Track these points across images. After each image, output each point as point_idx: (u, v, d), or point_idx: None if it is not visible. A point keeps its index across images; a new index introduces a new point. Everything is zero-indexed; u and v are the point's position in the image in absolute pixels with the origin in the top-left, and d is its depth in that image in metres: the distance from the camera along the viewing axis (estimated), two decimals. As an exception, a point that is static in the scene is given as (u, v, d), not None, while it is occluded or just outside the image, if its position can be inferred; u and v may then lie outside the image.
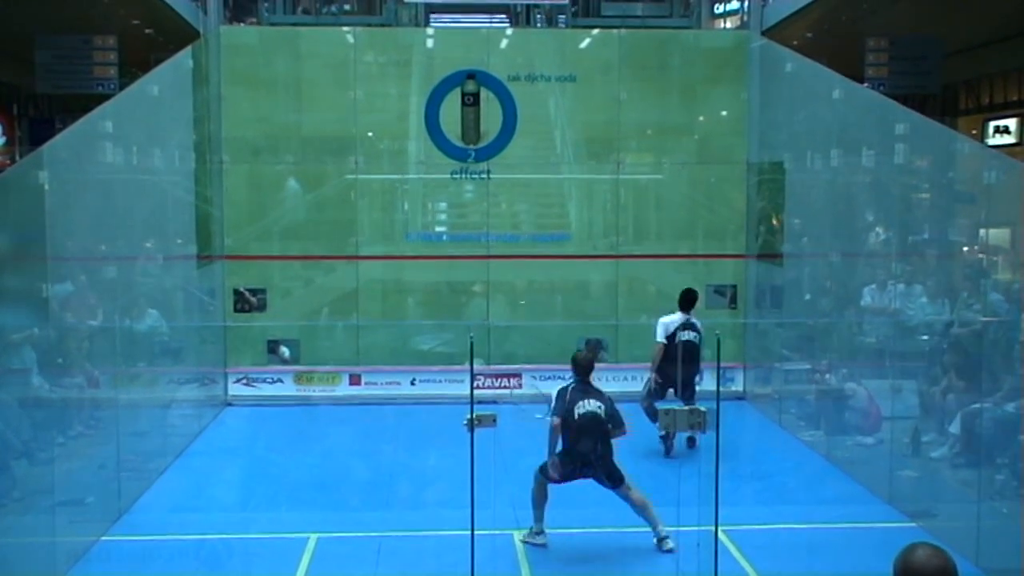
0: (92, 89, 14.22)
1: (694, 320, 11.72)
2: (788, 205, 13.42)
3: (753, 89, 14.16)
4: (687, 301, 11.81)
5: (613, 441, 8.77)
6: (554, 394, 8.99)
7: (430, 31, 15.52)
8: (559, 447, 8.75)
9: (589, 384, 8.91)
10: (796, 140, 13.06)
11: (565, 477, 8.75)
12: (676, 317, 11.68)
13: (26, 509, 8.50)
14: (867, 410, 11.08)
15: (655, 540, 8.64)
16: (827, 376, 12.14)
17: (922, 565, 3.38)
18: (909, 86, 14.35)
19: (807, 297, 12.95)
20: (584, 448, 8.65)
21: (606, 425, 8.70)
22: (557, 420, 8.68)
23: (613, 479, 8.72)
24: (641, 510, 8.69)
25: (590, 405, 8.71)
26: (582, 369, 8.95)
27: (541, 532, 8.83)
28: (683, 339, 11.48)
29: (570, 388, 8.87)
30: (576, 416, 8.66)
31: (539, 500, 8.86)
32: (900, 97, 11.69)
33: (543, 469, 8.80)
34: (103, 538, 9.06)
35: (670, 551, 8.46)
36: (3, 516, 8.25)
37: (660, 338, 11.69)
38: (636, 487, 8.71)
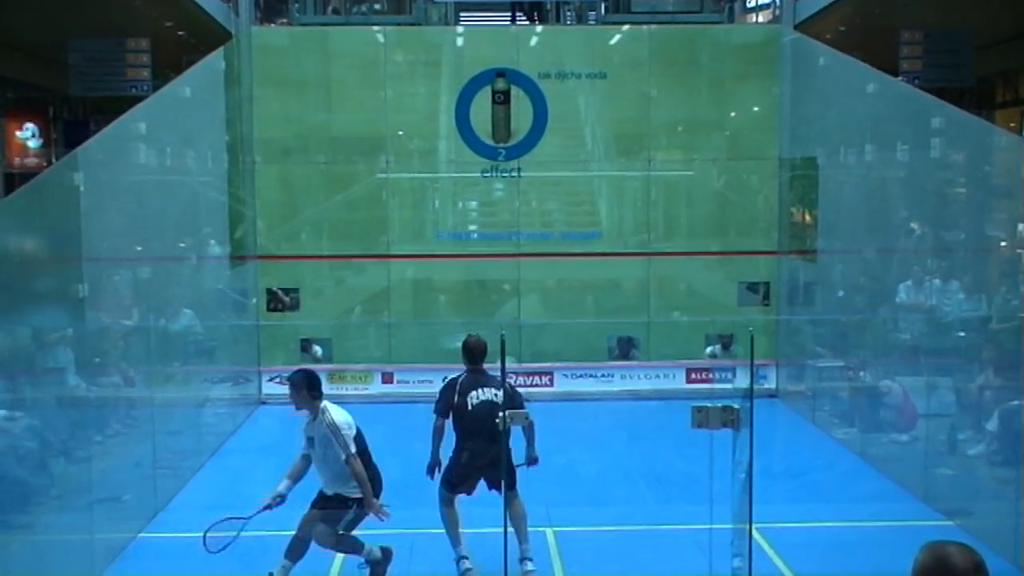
0: (125, 91, 14.29)
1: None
2: (821, 201, 13.33)
3: (785, 84, 14.07)
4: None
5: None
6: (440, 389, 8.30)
7: (460, 30, 15.52)
8: (455, 446, 8.18)
9: (483, 371, 8.27)
10: (829, 135, 12.97)
11: (466, 479, 8.20)
12: (335, 406, 8.08)
13: (64, 506, 8.59)
14: (902, 407, 10.98)
15: (519, 559, 8.05)
16: (861, 373, 12.05)
17: (959, 563, 3.32)
18: (944, 79, 14.17)
19: (840, 293, 12.86)
20: (482, 443, 7.98)
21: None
22: (440, 420, 8.12)
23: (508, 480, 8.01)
24: (518, 521, 8.10)
25: (485, 394, 8.10)
26: (474, 355, 8.28)
27: (465, 557, 8.17)
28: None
29: (460, 379, 8.25)
30: (470, 407, 8.08)
31: (452, 522, 8.25)
32: (935, 91, 11.54)
33: (446, 483, 8.22)
34: (140, 535, 9.14)
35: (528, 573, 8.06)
36: (42, 513, 8.34)
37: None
38: (520, 497, 8.03)
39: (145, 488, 9.75)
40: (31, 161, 24.53)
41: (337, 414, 7.80)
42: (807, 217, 14.11)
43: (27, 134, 24.91)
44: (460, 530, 8.22)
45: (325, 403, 7.87)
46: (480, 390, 8.13)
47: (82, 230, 8.59)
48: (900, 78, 13.33)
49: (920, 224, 11.19)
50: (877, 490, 10.30)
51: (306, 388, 7.83)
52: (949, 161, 10.39)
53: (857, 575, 8.09)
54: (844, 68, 12.42)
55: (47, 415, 9.17)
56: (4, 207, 9.48)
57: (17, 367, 8.80)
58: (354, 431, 7.80)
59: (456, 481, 8.21)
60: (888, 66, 12.95)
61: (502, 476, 7.82)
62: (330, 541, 7.95)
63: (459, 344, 8.49)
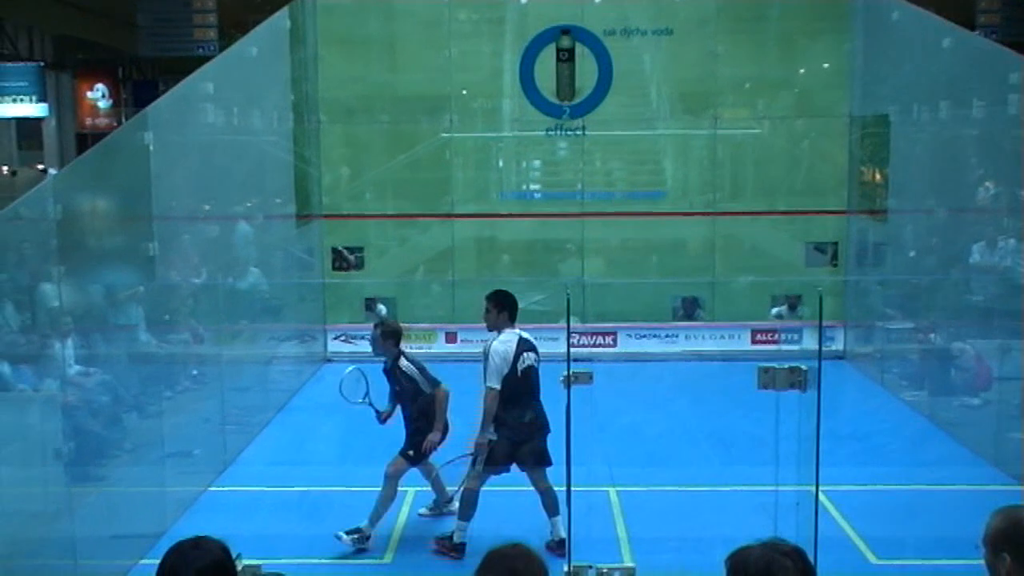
0: (192, 51, 14.46)
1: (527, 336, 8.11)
2: (893, 159, 13.07)
3: (857, 39, 13.74)
4: (513, 307, 8.16)
5: None
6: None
7: (524, -14, 15.39)
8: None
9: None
10: (902, 92, 12.66)
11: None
12: (510, 336, 7.98)
13: (137, 460, 8.80)
14: (975, 370, 10.78)
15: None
16: (932, 335, 11.84)
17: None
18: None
19: (911, 254, 12.62)
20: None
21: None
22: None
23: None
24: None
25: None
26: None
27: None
28: (525, 366, 7.95)
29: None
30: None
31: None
32: (1014, 45, 11.22)
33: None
34: (209, 488, 9.33)
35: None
36: (116, 466, 8.55)
37: (495, 381, 7.84)
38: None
39: (214, 443, 9.93)
40: (101, 121, 24.98)
41: (495, 341, 7.91)
42: (877, 176, 13.84)
43: (97, 95, 25.34)
44: None
45: (512, 331, 7.97)
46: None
47: (152, 189, 8.71)
48: (977, 32, 12.98)
49: (995, 183, 10.92)
50: (946, 454, 10.15)
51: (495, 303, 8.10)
52: (1027, 118, 10.09)
53: (925, 539, 7.98)
54: (918, 23, 12.09)
55: (119, 371, 9.38)
56: (76, 167, 9.64)
57: (90, 324, 8.99)
58: (497, 367, 7.78)
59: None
60: (966, 20, 12.62)
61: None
62: (470, 484, 8.02)
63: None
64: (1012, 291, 10.45)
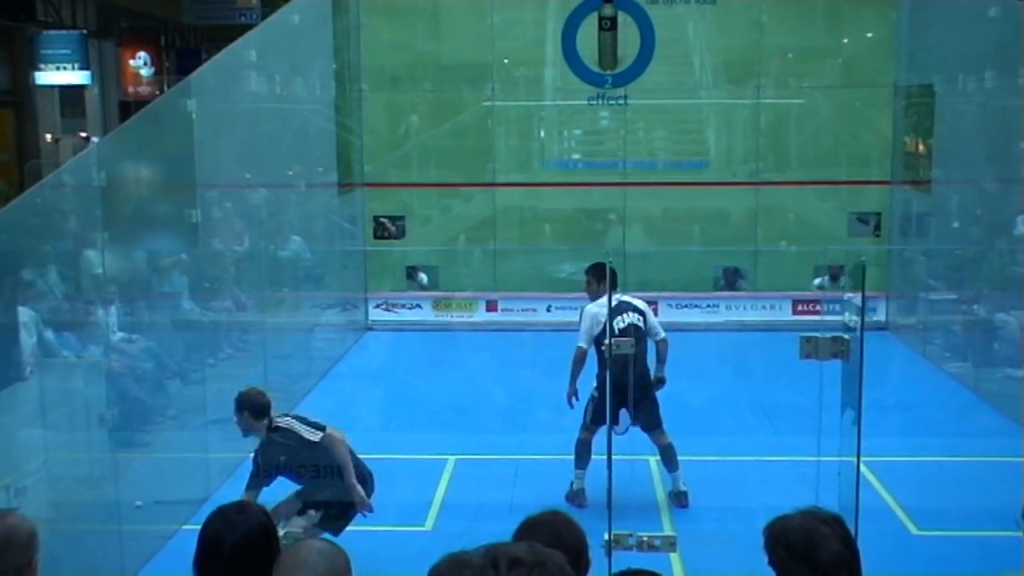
0: (235, 19, 14.49)
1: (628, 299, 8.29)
2: (937, 129, 12.89)
3: (902, 8, 13.55)
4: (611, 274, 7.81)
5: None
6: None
7: (566, -47, 15.26)
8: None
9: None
10: (948, 61, 12.47)
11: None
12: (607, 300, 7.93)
13: (181, 426, 8.91)
14: (1018, 341, 10.67)
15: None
16: (975, 306, 11.72)
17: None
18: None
19: (955, 225, 12.49)
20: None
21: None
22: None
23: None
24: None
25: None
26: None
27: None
28: (625, 325, 8.00)
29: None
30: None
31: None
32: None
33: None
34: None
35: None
36: (160, 432, 8.67)
37: (583, 341, 8.14)
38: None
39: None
40: (144, 89, 25.09)
41: (591, 304, 8.14)
42: (922, 146, 13.67)
43: (140, 63, 25.44)
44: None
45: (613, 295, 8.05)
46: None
47: (195, 157, 8.76)
48: (1025, 0, 12.73)
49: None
50: (989, 425, 10.05)
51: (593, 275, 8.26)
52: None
53: (966, 510, 7.94)
54: (967, -10, 11.90)
55: (163, 337, 9.49)
56: (120, 134, 9.74)
57: (134, 291, 9.09)
58: (587, 328, 8.05)
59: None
60: (1015, -13, 12.38)
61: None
62: (583, 435, 8.24)
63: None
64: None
